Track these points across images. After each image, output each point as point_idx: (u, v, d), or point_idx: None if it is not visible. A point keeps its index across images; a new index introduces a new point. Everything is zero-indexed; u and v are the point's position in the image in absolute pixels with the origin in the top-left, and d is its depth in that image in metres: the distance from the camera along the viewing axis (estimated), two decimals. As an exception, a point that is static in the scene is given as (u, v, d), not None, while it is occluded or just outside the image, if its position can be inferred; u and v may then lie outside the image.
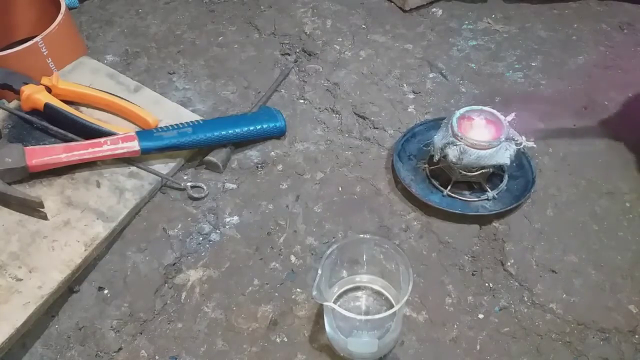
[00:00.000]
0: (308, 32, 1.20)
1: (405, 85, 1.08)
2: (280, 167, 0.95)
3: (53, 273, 0.75)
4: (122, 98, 0.97)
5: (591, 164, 0.94)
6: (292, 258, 0.83)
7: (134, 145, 0.88)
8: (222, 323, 0.76)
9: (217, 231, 0.86)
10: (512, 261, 0.82)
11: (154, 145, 0.90)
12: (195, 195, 0.89)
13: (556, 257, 0.82)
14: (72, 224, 0.81)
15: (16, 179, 0.85)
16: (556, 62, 1.12)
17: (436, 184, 0.90)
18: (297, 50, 1.16)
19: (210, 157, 0.93)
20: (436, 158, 0.87)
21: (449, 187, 0.89)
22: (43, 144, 0.91)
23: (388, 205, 0.89)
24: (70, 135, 0.91)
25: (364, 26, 1.21)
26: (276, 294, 0.79)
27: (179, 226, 0.86)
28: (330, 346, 0.73)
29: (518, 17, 1.22)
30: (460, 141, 0.84)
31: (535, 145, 0.88)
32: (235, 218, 0.88)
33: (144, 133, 0.91)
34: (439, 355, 0.73)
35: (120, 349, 0.74)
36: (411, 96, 1.06)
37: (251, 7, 1.27)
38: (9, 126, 0.94)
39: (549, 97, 1.05)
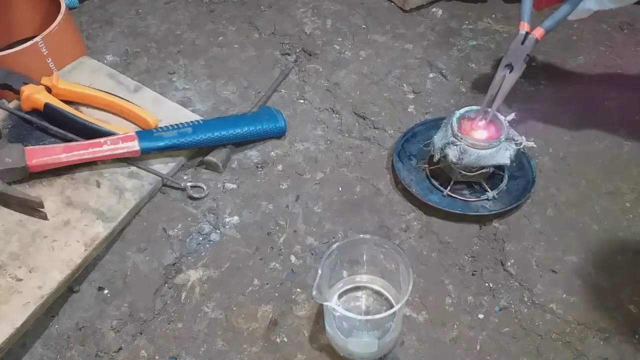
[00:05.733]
0: (308, 32, 1.20)
1: (405, 85, 1.08)
2: (280, 167, 0.95)
3: (53, 273, 0.75)
4: (122, 98, 0.97)
5: (591, 164, 0.94)
6: (292, 258, 0.83)
7: (134, 145, 0.88)
8: (222, 323, 0.76)
9: (217, 231, 0.86)
10: (512, 261, 0.82)
11: (154, 145, 0.90)
12: (195, 195, 0.89)
13: (556, 257, 0.82)
14: (72, 224, 0.81)
15: (16, 179, 0.85)
16: (556, 62, 1.12)
17: (436, 184, 0.90)
18: (297, 50, 1.16)
19: (210, 157, 0.93)
20: (436, 158, 0.87)
21: (449, 187, 0.89)
22: (43, 144, 0.91)
23: (388, 205, 0.89)
24: (70, 135, 0.91)
25: (364, 26, 1.21)
26: (276, 294, 0.79)
27: (179, 226, 0.86)
28: (330, 346, 0.73)
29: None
30: (460, 141, 0.84)
31: (535, 145, 0.88)
32: (235, 218, 0.88)
33: (144, 133, 0.91)
34: (439, 355, 0.73)
35: (120, 349, 0.74)
36: (411, 96, 1.06)
37: (251, 7, 1.27)
38: (9, 126, 0.94)
39: (549, 97, 1.05)
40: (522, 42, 0.84)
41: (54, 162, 0.85)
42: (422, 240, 0.85)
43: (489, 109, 0.85)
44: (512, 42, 0.85)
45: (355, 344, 0.69)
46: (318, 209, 0.89)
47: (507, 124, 0.85)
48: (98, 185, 0.87)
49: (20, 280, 0.75)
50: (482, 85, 1.08)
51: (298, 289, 0.79)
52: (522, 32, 0.85)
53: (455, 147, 0.84)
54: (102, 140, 0.88)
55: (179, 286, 0.80)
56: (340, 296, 0.77)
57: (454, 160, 0.84)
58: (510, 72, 0.84)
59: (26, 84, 0.93)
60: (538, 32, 0.84)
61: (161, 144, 0.90)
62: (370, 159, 0.96)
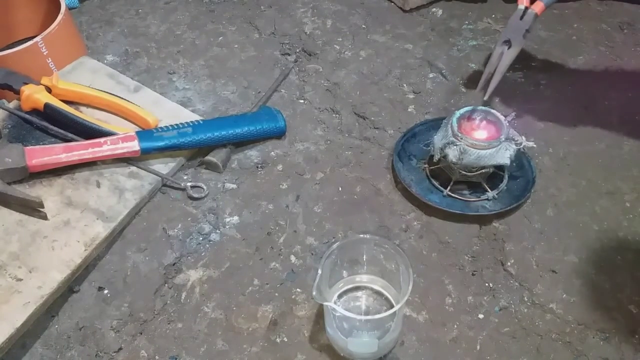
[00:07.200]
0: (308, 32, 1.20)
1: (405, 85, 1.08)
2: (280, 167, 0.95)
3: (53, 273, 0.75)
4: (122, 98, 0.97)
5: (591, 164, 0.94)
6: (292, 258, 0.83)
7: (134, 145, 0.88)
8: (222, 323, 0.76)
9: (217, 231, 0.86)
10: (512, 261, 0.82)
11: (154, 145, 0.90)
12: (195, 195, 0.89)
13: (556, 257, 0.82)
14: (72, 224, 0.81)
15: (16, 179, 0.85)
16: (556, 62, 1.12)
17: (436, 184, 0.90)
18: (297, 50, 1.16)
19: (210, 157, 0.93)
20: (436, 158, 0.87)
21: (449, 187, 0.89)
22: (43, 144, 0.91)
23: (388, 205, 0.89)
24: (70, 135, 0.91)
25: (364, 26, 1.21)
26: (276, 294, 0.79)
27: (179, 226, 0.86)
28: (330, 346, 0.73)
29: None
30: (460, 141, 0.84)
31: (535, 145, 0.88)
32: (235, 218, 0.88)
33: (144, 133, 0.91)
34: (439, 355, 0.73)
35: (120, 349, 0.74)
36: (411, 96, 1.06)
37: (251, 7, 1.27)
38: (9, 126, 0.94)
39: (549, 97, 1.05)
40: (521, 17, 0.83)
41: (54, 162, 0.85)
42: (422, 240, 0.85)
43: (488, 89, 0.83)
44: (510, 17, 0.84)
45: (355, 344, 0.69)
46: (318, 209, 0.89)
47: (507, 124, 0.85)
48: (98, 185, 0.87)
49: (20, 280, 0.75)
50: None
51: (298, 289, 0.79)
52: (521, 7, 0.84)
53: (455, 147, 0.84)
54: (102, 140, 0.88)
55: (179, 286, 0.80)
56: (340, 296, 0.77)
57: (454, 160, 0.84)
58: (509, 48, 0.83)
59: (26, 84, 0.93)
60: (538, 7, 0.83)
61: (161, 144, 0.90)
62: (370, 159, 0.96)
